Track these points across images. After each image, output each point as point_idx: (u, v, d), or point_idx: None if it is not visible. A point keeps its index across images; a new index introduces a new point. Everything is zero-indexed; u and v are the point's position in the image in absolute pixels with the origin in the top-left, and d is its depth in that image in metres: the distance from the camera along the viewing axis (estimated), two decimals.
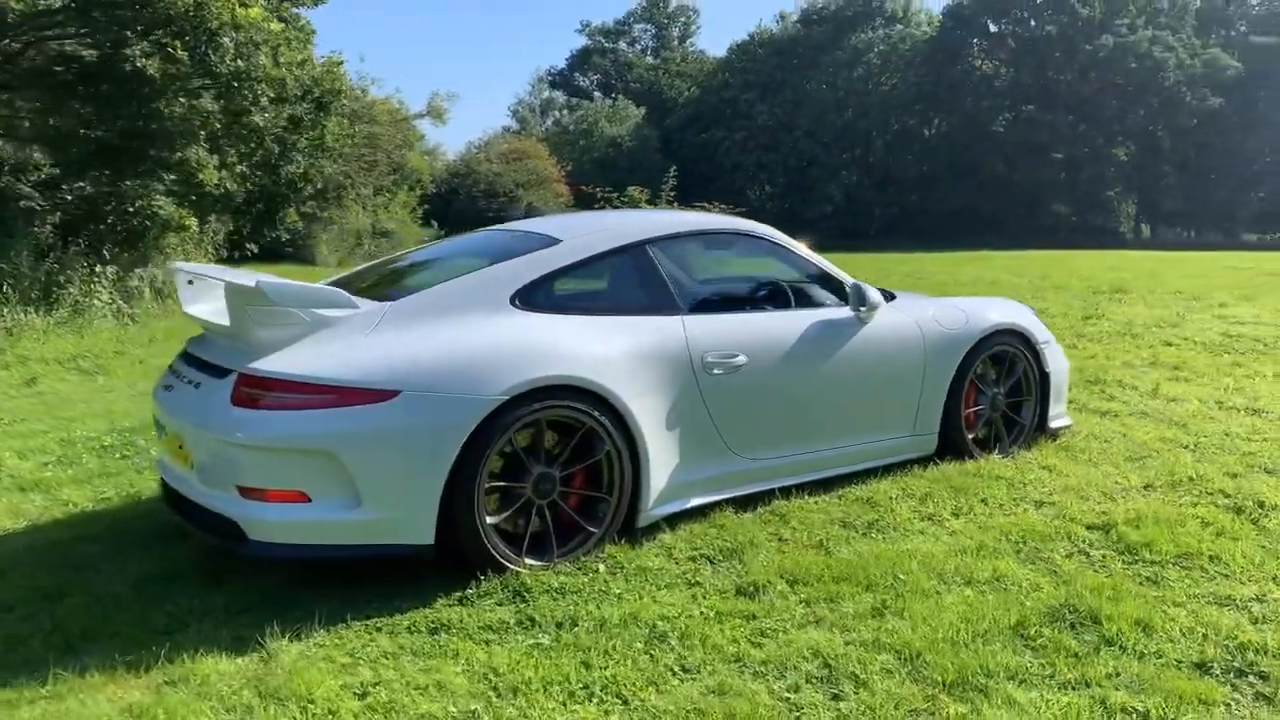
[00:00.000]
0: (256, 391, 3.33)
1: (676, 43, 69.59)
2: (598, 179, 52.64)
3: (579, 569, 3.57)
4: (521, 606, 3.28)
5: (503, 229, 4.82)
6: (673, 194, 19.79)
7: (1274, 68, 48.31)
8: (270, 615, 3.24)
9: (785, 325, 4.28)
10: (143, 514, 4.36)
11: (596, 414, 3.60)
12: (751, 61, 55.87)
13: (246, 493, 3.32)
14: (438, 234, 30.09)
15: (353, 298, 3.53)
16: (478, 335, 3.58)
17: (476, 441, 3.36)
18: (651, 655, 2.95)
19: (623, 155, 53.44)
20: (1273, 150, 50.62)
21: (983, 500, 4.25)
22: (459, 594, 3.37)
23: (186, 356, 3.92)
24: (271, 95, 9.68)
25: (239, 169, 10.62)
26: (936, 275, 18.07)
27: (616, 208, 19.93)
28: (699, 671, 2.86)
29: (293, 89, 10.40)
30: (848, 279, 4.57)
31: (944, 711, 2.60)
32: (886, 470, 4.60)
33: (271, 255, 19.23)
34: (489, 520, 3.44)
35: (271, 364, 3.35)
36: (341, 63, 13.74)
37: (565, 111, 66.47)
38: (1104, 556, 3.63)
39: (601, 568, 3.58)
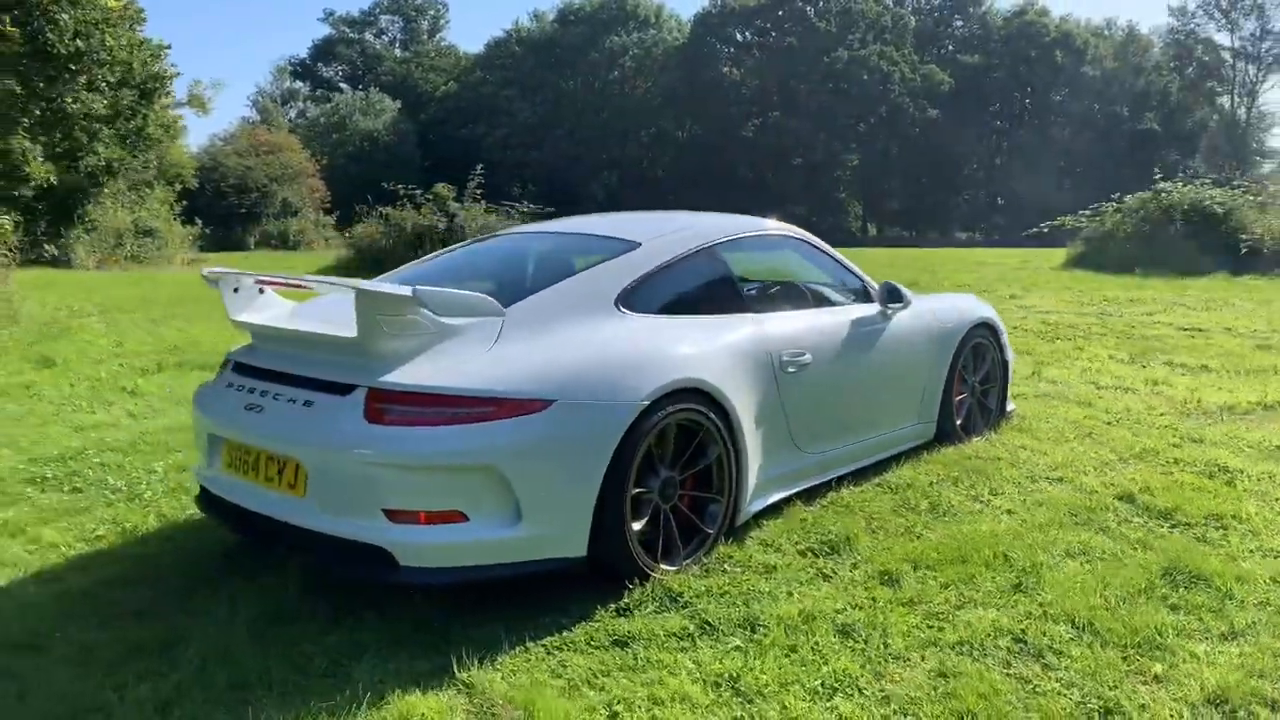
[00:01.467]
0: (397, 407, 3.09)
1: (426, 36, 68.21)
2: (354, 173, 50.65)
3: (706, 571, 3.57)
4: (687, 612, 3.25)
5: (550, 231, 4.66)
6: (479, 191, 19.51)
7: (977, 83, 54.27)
8: (429, 647, 3.03)
9: (834, 323, 4.46)
10: (162, 550, 3.88)
11: (712, 415, 3.62)
12: (510, 59, 55.80)
13: (396, 516, 3.07)
14: (203, 231, 27.80)
15: (498, 304, 3.33)
16: (608, 339, 3.50)
17: (624, 448, 3.29)
18: (854, 648, 3.02)
19: (379, 149, 51.82)
20: (977, 158, 56.86)
21: (1004, 480, 4.62)
22: (613, 605, 3.28)
23: (254, 371, 3.54)
24: (113, 80, 8.62)
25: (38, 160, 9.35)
26: None
27: (419, 205, 19.39)
28: (909, 658, 2.97)
29: (138, 74, 9.30)
30: (869, 278, 4.82)
31: (1149, 671, 2.87)
32: (896, 460, 4.87)
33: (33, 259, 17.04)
34: (633, 527, 3.38)
35: (417, 377, 3.13)
36: (168, 47, 12.44)
37: (310, 103, 63.40)
38: (1148, 523, 4.08)
39: (726, 567, 3.60)
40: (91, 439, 5.42)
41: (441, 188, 19.04)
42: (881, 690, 2.79)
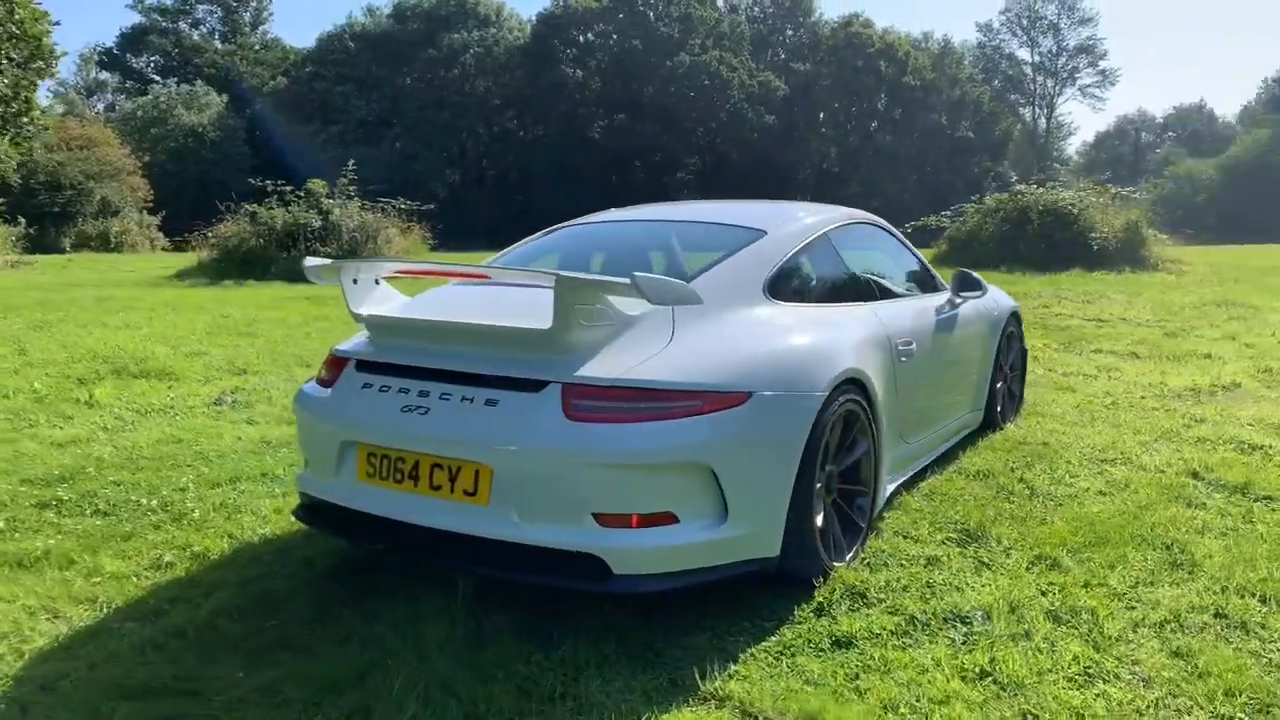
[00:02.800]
0: (600, 403, 2.85)
1: (249, 28, 64.80)
2: (175, 170, 47.51)
3: (869, 566, 3.48)
4: (884, 608, 3.14)
5: (655, 219, 4.40)
6: (351, 187, 18.68)
7: (809, 90, 56.35)
8: (645, 660, 2.81)
9: (926, 310, 4.45)
10: (258, 575, 3.44)
11: (865, 405, 3.53)
12: (344, 54, 53.75)
13: (608, 520, 2.83)
14: (27, 231, 25.34)
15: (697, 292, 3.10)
16: (776, 329, 3.37)
17: (811, 440, 3.16)
18: (1075, 633, 2.99)
19: (206, 145, 48.78)
20: (809, 162, 59.03)
21: (1071, 464, 4.74)
22: (806, 605, 3.14)
23: (395, 369, 3.17)
24: (18, 56, 7.56)
25: None
26: None
27: (287, 202, 18.32)
28: (1131, 639, 2.96)
29: (45, 50, 8.17)
30: (930, 269, 4.85)
31: None
32: (955, 449, 4.91)
33: None
34: (816, 523, 3.24)
35: (616, 370, 2.90)
36: (57, 23, 11.05)
37: (122, 96, 59.05)
38: (1230, 497, 4.26)
39: (887, 561, 3.52)
40: (81, 456, 4.77)
41: (316, 184, 18.06)
42: (1134, 674, 2.77)
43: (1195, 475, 4.55)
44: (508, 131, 54.35)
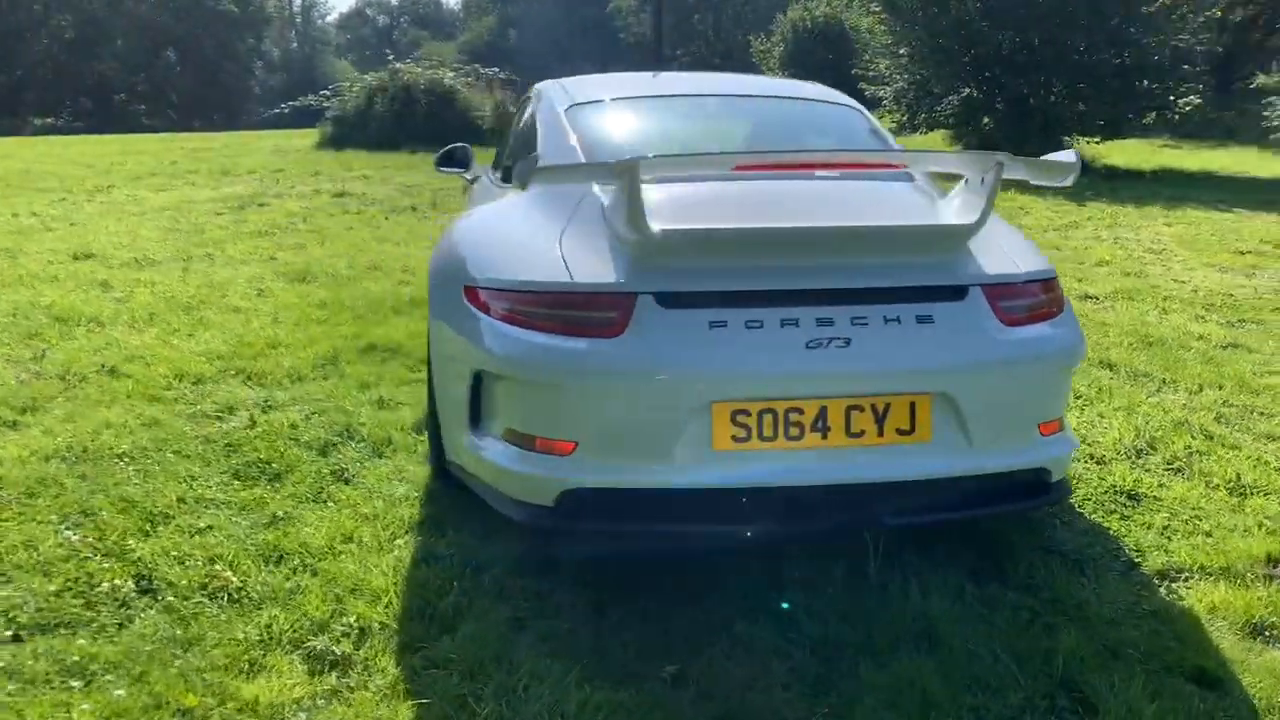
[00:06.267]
0: (1016, 302, 2.60)
1: None
2: None
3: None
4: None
5: (754, 94, 3.70)
6: None
7: None
8: (941, 560, 2.71)
9: None
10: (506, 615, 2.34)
11: None
12: None
13: (1045, 429, 2.62)
14: None
15: None
16: None
17: None
18: None
19: None
20: (45, 32, 50.39)
21: None
22: None
23: (754, 298, 2.35)
24: None
25: None
26: None
27: None
28: None
29: None
30: None
31: None
32: None
33: None
34: None
35: (1010, 265, 2.68)
36: None
37: None
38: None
39: None
40: None
41: None
42: None
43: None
44: None
